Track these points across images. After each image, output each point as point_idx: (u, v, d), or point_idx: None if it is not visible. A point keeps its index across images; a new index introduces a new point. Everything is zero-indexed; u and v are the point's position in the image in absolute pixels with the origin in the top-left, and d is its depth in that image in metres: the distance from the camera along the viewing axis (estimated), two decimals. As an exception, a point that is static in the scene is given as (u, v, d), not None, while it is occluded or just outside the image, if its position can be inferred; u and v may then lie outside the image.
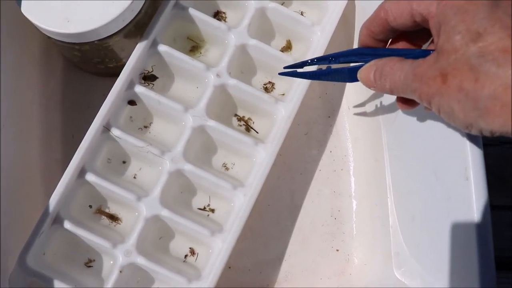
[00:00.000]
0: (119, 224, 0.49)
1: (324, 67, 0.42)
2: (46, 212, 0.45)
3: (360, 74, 0.40)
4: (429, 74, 0.33)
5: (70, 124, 0.55)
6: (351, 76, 0.41)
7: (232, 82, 0.50)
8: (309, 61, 0.42)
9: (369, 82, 0.39)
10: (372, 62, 0.39)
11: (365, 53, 0.40)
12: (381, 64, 0.38)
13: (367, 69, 0.39)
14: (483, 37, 0.31)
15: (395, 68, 0.37)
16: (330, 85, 0.57)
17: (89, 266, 0.48)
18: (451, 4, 0.33)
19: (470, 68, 0.31)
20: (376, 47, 0.41)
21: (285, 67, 0.44)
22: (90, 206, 0.49)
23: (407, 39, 0.41)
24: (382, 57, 0.39)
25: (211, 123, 0.49)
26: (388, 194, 0.51)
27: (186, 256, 0.50)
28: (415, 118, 0.47)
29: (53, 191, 0.46)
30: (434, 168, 0.44)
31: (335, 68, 0.41)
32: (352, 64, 0.41)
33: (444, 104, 0.33)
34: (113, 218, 0.49)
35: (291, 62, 0.51)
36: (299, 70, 0.43)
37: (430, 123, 0.44)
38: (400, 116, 0.49)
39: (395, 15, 0.37)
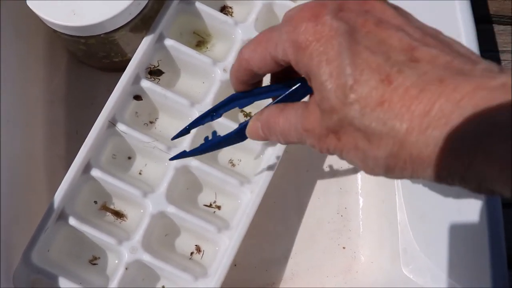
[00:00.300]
0: (125, 221, 0.49)
1: (210, 136, 0.40)
2: (51, 208, 0.45)
3: (248, 134, 0.37)
4: (320, 131, 0.30)
5: (74, 120, 0.54)
6: (242, 136, 0.38)
7: (239, 77, 0.49)
8: (187, 127, 0.39)
9: (261, 138, 0.36)
10: (254, 118, 0.36)
11: (242, 97, 0.37)
12: (264, 119, 0.35)
13: (253, 127, 0.36)
14: (355, 91, 0.26)
15: (280, 122, 0.33)
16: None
17: (94, 264, 0.48)
18: (309, 53, 0.28)
19: (357, 129, 0.27)
20: (251, 90, 0.37)
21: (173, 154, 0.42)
22: (95, 202, 0.49)
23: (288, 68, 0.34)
24: (259, 99, 0.36)
25: (219, 119, 0.48)
26: (396, 191, 0.51)
27: (192, 253, 0.49)
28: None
29: (57, 187, 0.45)
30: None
31: (223, 136, 0.39)
32: (236, 127, 0.39)
33: (349, 159, 0.30)
34: (118, 214, 0.49)
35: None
36: (187, 150, 0.41)
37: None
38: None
39: (258, 65, 0.33)
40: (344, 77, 0.27)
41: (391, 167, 0.27)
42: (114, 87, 0.47)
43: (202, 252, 0.49)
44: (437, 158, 0.24)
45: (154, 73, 0.50)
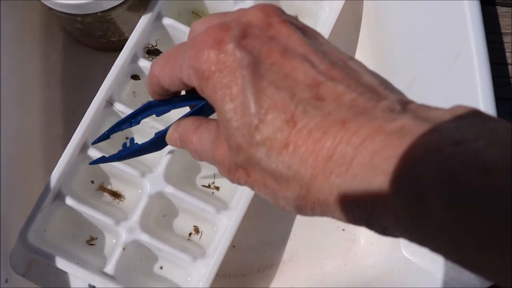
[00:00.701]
0: (122, 201, 0.48)
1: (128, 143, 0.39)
2: (47, 187, 0.44)
3: (168, 142, 0.36)
4: (229, 165, 0.29)
5: (70, 100, 0.54)
6: (158, 145, 0.37)
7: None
8: (106, 132, 0.39)
9: (179, 147, 0.35)
10: (173, 128, 0.35)
11: (159, 105, 0.36)
12: (180, 132, 0.34)
13: (171, 136, 0.35)
14: (261, 131, 0.25)
15: (193, 141, 0.32)
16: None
17: (91, 244, 0.47)
18: (212, 85, 0.27)
19: (264, 169, 0.26)
20: (169, 98, 0.35)
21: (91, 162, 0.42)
22: (92, 182, 0.48)
23: None
24: (177, 107, 0.35)
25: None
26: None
27: (190, 234, 0.49)
28: (427, 93, 0.45)
29: (54, 166, 0.45)
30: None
31: (140, 144, 0.38)
32: (155, 134, 0.37)
33: (261, 194, 0.28)
34: (116, 195, 0.48)
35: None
36: (107, 156, 0.41)
37: (443, 96, 0.43)
38: (412, 91, 0.48)
39: (167, 83, 0.32)
40: (249, 116, 0.26)
41: (302, 207, 0.26)
42: (111, 67, 0.47)
43: (200, 233, 0.49)
44: (341, 205, 0.24)
45: (152, 52, 0.49)
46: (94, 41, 0.52)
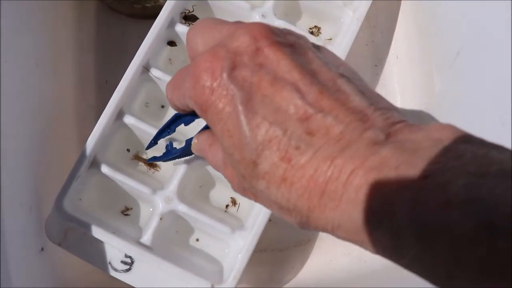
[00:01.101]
0: (157, 171, 0.47)
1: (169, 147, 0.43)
2: (83, 155, 0.43)
3: (193, 151, 0.37)
4: (238, 186, 0.30)
5: (103, 69, 0.52)
6: (190, 150, 0.38)
7: (278, 23, 0.47)
8: (153, 141, 0.43)
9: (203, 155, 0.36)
10: (193, 140, 0.36)
11: (184, 116, 0.37)
12: (199, 146, 0.35)
13: (193, 148, 0.37)
14: (259, 166, 0.27)
15: (209, 157, 0.34)
16: (378, 32, 0.54)
17: (126, 214, 0.46)
18: (210, 118, 0.28)
19: (267, 198, 0.28)
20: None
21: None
22: (128, 151, 0.47)
23: None
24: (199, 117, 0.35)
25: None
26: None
27: (227, 206, 0.47)
28: (478, 62, 0.43)
29: (87, 137, 0.44)
30: (502, 120, 0.41)
31: (178, 149, 0.42)
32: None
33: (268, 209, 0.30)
34: (151, 164, 0.47)
35: (340, 4, 0.48)
36: (157, 156, 0.44)
37: (497, 66, 0.41)
38: (460, 60, 0.46)
39: (180, 106, 0.32)
40: (247, 152, 0.27)
41: (306, 228, 0.28)
42: (145, 35, 0.45)
43: (237, 205, 0.47)
44: (336, 234, 0.26)
45: (188, 18, 0.48)
46: (128, 7, 0.50)
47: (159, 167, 0.47)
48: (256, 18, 0.47)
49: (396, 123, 0.26)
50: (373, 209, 0.24)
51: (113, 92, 0.44)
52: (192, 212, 0.44)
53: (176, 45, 0.47)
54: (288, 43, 0.28)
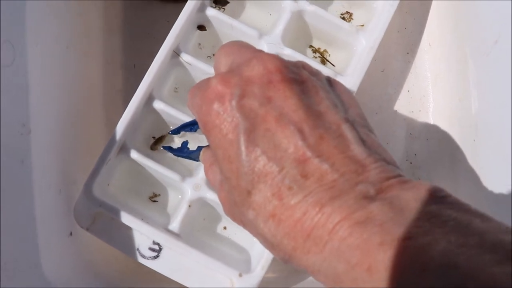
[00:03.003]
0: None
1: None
2: (112, 140, 0.43)
3: (200, 160, 0.38)
4: (229, 210, 0.32)
5: (131, 53, 0.52)
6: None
7: (310, 8, 0.46)
8: (177, 129, 0.44)
9: None
10: (201, 153, 0.38)
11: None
12: (203, 160, 0.37)
13: (200, 159, 0.38)
14: (252, 197, 0.28)
15: (208, 175, 0.35)
16: (410, 19, 0.53)
17: (154, 201, 0.46)
18: (212, 139, 0.29)
19: (255, 229, 0.29)
20: None
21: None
22: (154, 138, 0.46)
23: None
24: None
25: (287, 51, 0.45)
26: (474, 137, 0.47)
27: (255, 194, 0.47)
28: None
29: (115, 121, 0.43)
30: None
31: (190, 150, 0.44)
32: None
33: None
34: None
35: (374, -11, 0.47)
36: (173, 148, 0.45)
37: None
38: (497, 49, 0.44)
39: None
40: (243, 181, 0.28)
41: (287, 263, 0.29)
42: (173, 19, 0.44)
43: (266, 193, 0.46)
44: (316, 276, 0.27)
45: (219, 2, 0.47)
46: (157, -10, 0.49)
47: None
48: (287, 2, 0.45)
49: (390, 178, 0.27)
50: (352, 263, 0.24)
51: (140, 76, 0.44)
52: (221, 200, 0.43)
53: (206, 30, 0.46)
54: (300, 80, 0.29)
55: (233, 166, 0.28)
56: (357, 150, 0.27)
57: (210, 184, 0.34)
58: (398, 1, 0.46)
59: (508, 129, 0.43)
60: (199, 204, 0.44)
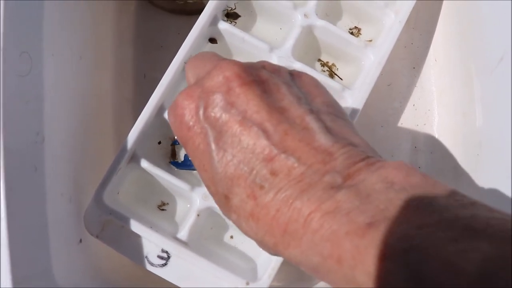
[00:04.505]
0: (194, 169, 0.47)
1: None
2: (123, 149, 0.43)
3: None
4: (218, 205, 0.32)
5: (141, 63, 0.53)
6: None
7: (320, 23, 0.47)
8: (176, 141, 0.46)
9: None
10: None
11: None
12: None
13: None
14: (230, 201, 0.29)
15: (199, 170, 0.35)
16: (417, 35, 0.54)
17: (162, 209, 0.47)
18: (188, 151, 0.31)
19: (241, 229, 0.30)
20: None
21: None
22: (159, 143, 0.47)
23: None
24: None
25: (297, 65, 0.46)
26: (478, 151, 0.48)
27: (262, 204, 0.47)
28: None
29: (124, 131, 0.44)
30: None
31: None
32: None
33: None
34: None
35: (382, 5, 0.48)
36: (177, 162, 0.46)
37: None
38: (502, 67, 0.45)
39: None
40: (220, 187, 0.29)
41: (278, 256, 0.29)
42: (184, 31, 0.45)
43: (273, 204, 0.47)
44: (300, 267, 0.28)
45: (230, 15, 0.48)
46: (169, 2, 0.50)
47: None
48: (298, 17, 0.46)
49: (357, 162, 0.27)
50: (324, 255, 0.25)
51: (150, 86, 0.44)
52: (229, 210, 0.44)
53: (217, 43, 0.47)
54: (260, 80, 0.30)
55: (208, 175, 0.30)
56: (322, 139, 0.28)
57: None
58: (406, 18, 0.47)
59: (510, 145, 0.44)
60: (207, 213, 0.44)
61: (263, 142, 0.28)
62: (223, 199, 0.29)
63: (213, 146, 0.29)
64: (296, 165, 0.27)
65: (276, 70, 0.32)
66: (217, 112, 0.29)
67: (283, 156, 0.27)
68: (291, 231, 0.27)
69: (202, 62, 0.33)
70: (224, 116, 0.29)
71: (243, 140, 0.28)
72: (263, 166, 0.28)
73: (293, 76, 0.33)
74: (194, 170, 0.44)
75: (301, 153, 0.28)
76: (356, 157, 0.27)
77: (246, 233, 0.29)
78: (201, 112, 0.30)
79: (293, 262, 0.28)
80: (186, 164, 0.45)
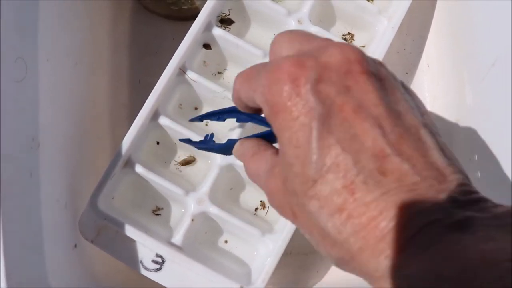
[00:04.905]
0: (191, 165, 0.48)
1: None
2: (118, 154, 0.44)
3: (234, 154, 0.36)
4: (279, 201, 0.29)
5: (137, 68, 0.53)
6: (228, 150, 0.37)
7: (314, 29, 0.47)
8: (200, 117, 0.40)
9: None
10: (236, 145, 0.35)
11: (240, 113, 0.37)
12: (241, 152, 0.34)
13: (235, 152, 0.35)
14: (318, 187, 0.25)
15: (249, 167, 0.32)
16: (409, 40, 0.54)
17: (157, 214, 0.47)
18: (279, 122, 0.27)
19: (312, 221, 0.26)
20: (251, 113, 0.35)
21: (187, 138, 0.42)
22: (158, 143, 0.47)
23: None
24: (256, 123, 0.35)
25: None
26: (470, 157, 0.49)
27: (256, 209, 0.48)
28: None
29: (120, 136, 0.44)
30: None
31: (216, 144, 0.39)
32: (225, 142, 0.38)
33: (304, 235, 0.29)
34: (188, 162, 0.47)
35: (375, 12, 0.48)
36: (196, 140, 0.41)
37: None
38: (493, 72, 0.46)
39: (245, 99, 0.31)
40: (310, 169, 0.26)
41: (341, 266, 0.27)
42: (179, 36, 0.46)
43: (267, 208, 0.48)
44: (380, 281, 0.24)
45: (225, 21, 0.48)
46: (164, 8, 0.51)
47: (193, 163, 0.47)
48: (292, 23, 0.47)
49: (471, 192, 0.25)
50: (439, 275, 0.22)
51: (145, 91, 0.45)
52: (223, 214, 0.44)
53: (211, 48, 0.47)
54: (379, 76, 0.27)
55: (300, 152, 0.26)
56: (436, 156, 0.26)
57: (249, 176, 0.32)
58: (399, 24, 0.48)
59: (503, 149, 0.44)
60: (202, 218, 0.45)
61: (377, 138, 0.25)
62: (310, 182, 0.26)
63: (317, 123, 0.26)
64: (410, 172, 0.25)
65: (391, 73, 0.29)
66: (330, 90, 0.26)
67: (397, 159, 0.25)
68: (392, 238, 0.24)
69: (305, 37, 0.29)
70: (338, 97, 0.26)
71: (354, 129, 0.25)
72: (372, 162, 0.25)
73: (404, 85, 0.30)
74: (216, 152, 0.40)
75: (416, 162, 0.25)
76: (469, 187, 0.25)
77: (322, 227, 0.26)
78: (311, 84, 0.26)
79: (375, 275, 0.25)
80: (208, 144, 0.41)
